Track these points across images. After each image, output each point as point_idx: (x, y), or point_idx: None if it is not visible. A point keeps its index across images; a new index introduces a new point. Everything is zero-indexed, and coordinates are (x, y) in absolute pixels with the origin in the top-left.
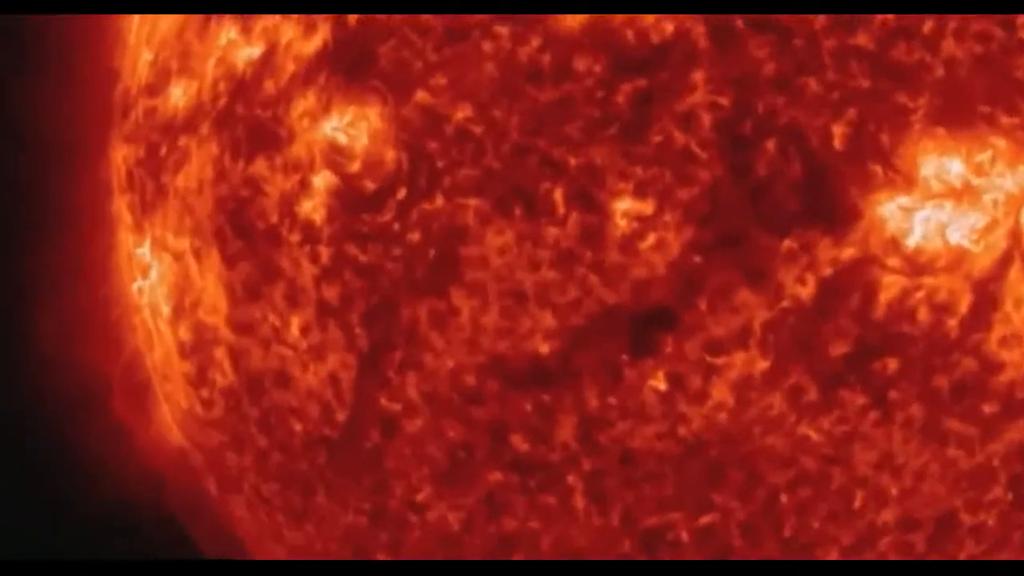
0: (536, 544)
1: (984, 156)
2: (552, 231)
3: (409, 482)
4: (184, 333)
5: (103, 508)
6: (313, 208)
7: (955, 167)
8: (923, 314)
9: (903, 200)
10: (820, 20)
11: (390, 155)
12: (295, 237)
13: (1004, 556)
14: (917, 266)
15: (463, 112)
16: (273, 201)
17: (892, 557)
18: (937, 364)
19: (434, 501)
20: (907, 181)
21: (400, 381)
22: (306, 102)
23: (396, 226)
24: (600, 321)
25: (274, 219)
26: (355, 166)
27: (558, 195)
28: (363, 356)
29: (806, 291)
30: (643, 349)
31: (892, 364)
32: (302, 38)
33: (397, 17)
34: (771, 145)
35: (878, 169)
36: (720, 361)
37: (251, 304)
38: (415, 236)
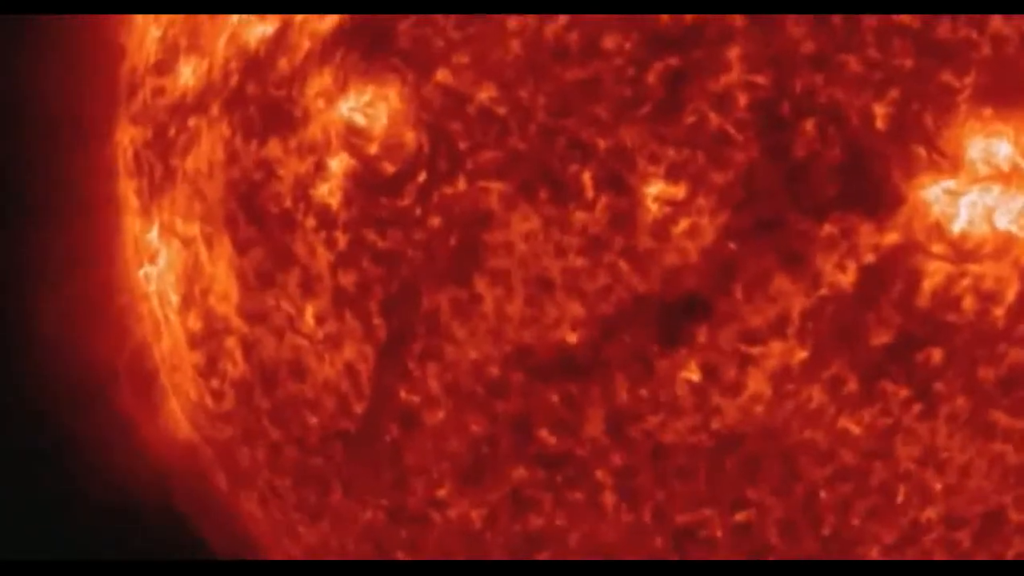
0: (563, 543)
1: None
2: (580, 216)
3: (430, 478)
4: (193, 322)
5: (107, 505)
6: (329, 192)
7: (1003, 149)
8: (969, 302)
9: (948, 184)
10: None
11: (410, 137)
12: (310, 222)
13: None
14: (963, 252)
15: (487, 92)
16: (287, 185)
17: (936, 555)
18: (983, 355)
19: (456, 498)
20: (952, 164)
21: (421, 372)
22: (322, 81)
23: (416, 211)
24: (630, 310)
25: (288, 203)
26: (373, 148)
27: (586, 178)
28: (382, 346)
29: (846, 278)
30: (675, 339)
31: (936, 355)
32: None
33: None
34: (810, 126)
35: (922, 151)
36: (756, 351)
37: (264, 292)
38: (436, 221)
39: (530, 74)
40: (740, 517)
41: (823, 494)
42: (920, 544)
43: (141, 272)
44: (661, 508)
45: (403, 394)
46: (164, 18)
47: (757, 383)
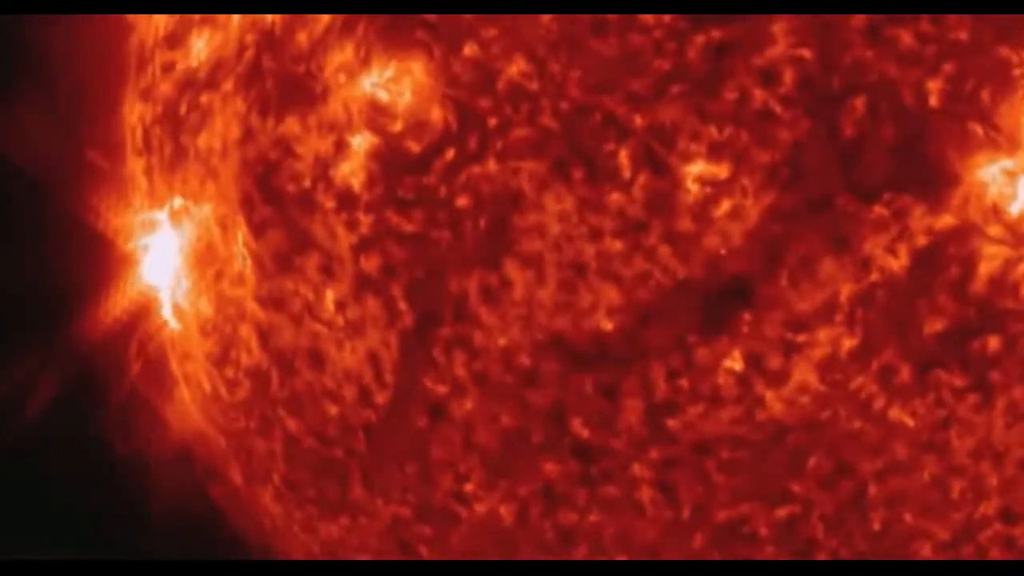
0: (597, 540)
1: None
2: (616, 197)
3: (457, 471)
4: (206, 308)
5: (110, 503)
6: (351, 171)
7: None
8: None
9: (1006, 163)
10: None
11: (436, 114)
12: (330, 203)
13: None
14: (1021, 235)
15: (517, 66)
16: (306, 164)
17: (993, 553)
18: None
19: (484, 493)
20: (1010, 142)
21: (447, 361)
22: (343, 55)
23: (443, 191)
24: (669, 296)
25: (307, 183)
26: (397, 126)
27: (623, 157)
28: (406, 333)
29: (898, 263)
30: (717, 326)
31: (993, 343)
32: None
33: None
34: (860, 103)
35: (978, 129)
36: (802, 339)
37: (281, 276)
38: (464, 202)
39: (563, 47)
40: (785, 512)
41: (873, 488)
42: (976, 541)
43: (150, 256)
44: (701, 504)
45: (428, 383)
46: None
47: (803, 372)
